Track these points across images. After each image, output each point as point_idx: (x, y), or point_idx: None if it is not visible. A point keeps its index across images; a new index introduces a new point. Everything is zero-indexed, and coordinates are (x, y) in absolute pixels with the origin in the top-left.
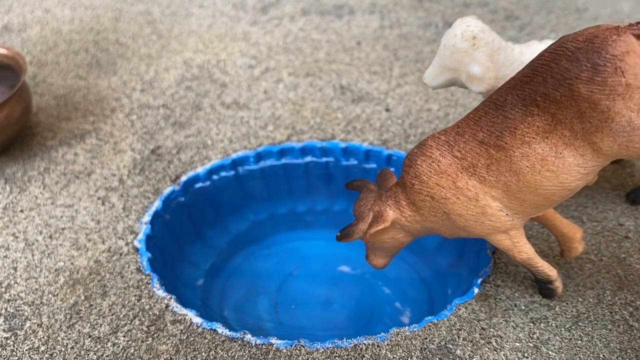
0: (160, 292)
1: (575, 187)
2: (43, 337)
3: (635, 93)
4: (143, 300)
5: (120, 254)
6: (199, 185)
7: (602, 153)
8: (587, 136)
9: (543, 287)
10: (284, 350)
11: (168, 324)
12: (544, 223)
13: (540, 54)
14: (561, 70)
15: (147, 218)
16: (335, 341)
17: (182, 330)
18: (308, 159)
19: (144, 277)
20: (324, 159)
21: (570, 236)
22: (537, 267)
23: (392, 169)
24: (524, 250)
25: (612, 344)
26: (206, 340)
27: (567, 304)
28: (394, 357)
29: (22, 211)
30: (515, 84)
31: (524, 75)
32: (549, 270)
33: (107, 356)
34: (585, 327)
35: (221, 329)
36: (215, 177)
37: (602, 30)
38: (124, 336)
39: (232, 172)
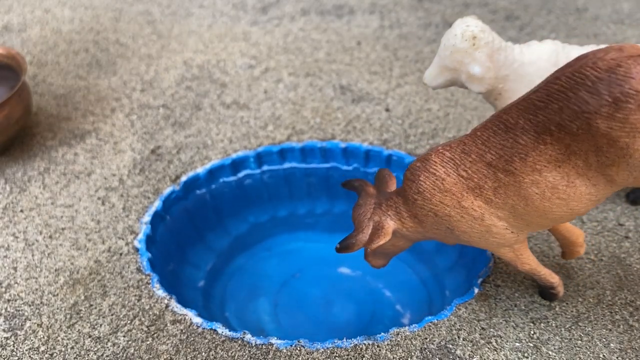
0: (160, 292)
1: (584, 212)
2: (43, 337)
3: None
4: (143, 300)
5: (120, 254)
6: (199, 188)
7: (616, 184)
8: (602, 169)
9: (545, 292)
10: (284, 350)
11: (168, 324)
12: None
13: (556, 76)
14: (579, 101)
15: (147, 218)
16: (335, 341)
17: (182, 330)
18: (309, 164)
19: (144, 277)
20: (324, 165)
21: (573, 240)
22: (540, 276)
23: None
24: (527, 261)
25: (612, 344)
26: (206, 340)
27: (567, 304)
28: (394, 357)
29: (22, 211)
30: (527, 106)
31: (538, 99)
32: (550, 277)
33: (107, 356)
34: (585, 327)
35: (221, 329)
36: (216, 180)
37: (625, 58)
38: (124, 336)
39: (232, 174)
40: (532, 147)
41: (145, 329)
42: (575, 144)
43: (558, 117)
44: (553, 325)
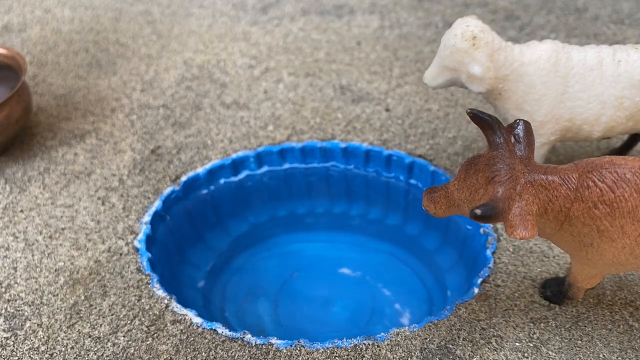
0: (160, 292)
1: None
2: (43, 337)
3: None
4: (143, 300)
5: (120, 254)
6: (199, 188)
7: None
8: None
9: (558, 296)
10: (284, 350)
11: (168, 324)
12: None
13: None
14: None
15: (147, 218)
16: (335, 341)
17: (182, 330)
18: (309, 164)
19: (144, 277)
20: (324, 164)
21: None
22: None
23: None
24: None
25: (612, 344)
26: (206, 340)
27: (567, 304)
28: (394, 357)
29: (22, 211)
30: None
31: None
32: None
33: (107, 356)
34: (585, 327)
35: (221, 329)
36: (216, 180)
37: None
38: (124, 336)
39: (232, 174)
40: None
41: (145, 329)
42: None
43: None
44: (553, 325)
